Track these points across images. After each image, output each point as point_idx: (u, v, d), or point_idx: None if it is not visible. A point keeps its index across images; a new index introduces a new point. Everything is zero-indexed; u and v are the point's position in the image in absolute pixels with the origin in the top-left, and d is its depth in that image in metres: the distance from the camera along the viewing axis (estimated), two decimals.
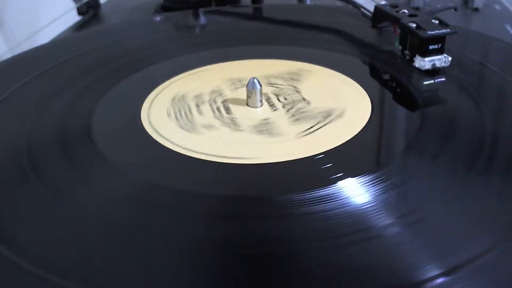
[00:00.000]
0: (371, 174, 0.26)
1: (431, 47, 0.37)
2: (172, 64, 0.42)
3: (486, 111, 0.32)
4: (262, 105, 0.34)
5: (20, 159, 0.29)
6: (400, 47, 0.40)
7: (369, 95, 0.35)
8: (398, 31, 0.40)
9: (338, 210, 0.24)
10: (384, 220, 0.23)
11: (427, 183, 0.26)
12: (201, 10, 0.55)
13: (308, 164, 0.28)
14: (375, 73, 0.41)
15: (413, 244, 0.22)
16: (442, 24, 0.37)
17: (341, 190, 0.25)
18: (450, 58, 0.37)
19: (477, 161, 0.27)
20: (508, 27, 0.56)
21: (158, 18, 0.57)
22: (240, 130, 0.31)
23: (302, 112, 0.33)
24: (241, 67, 0.41)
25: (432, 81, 0.37)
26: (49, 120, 0.33)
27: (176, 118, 0.33)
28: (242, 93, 0.35)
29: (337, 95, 0.35)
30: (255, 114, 0.33)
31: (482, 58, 0.40)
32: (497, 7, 0.63)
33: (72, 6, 0.63)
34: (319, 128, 0.31)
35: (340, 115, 0.32)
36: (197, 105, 0.35)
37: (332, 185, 0.25)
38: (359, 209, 0.24)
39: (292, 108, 0.34)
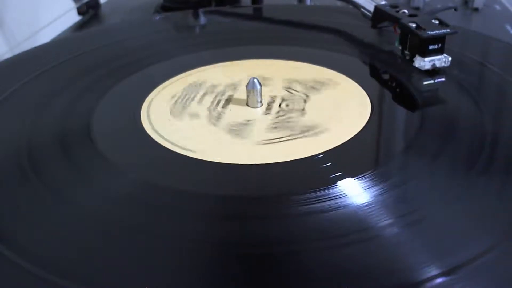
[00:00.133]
0: (371, 174, 0.26)
1: (431, 47, 0.37)
2: (172, 64, 0.42)
3: (486, 111, 0.32)
4: (261, 106, 0.34)
5: (20, 159, 0.29)
6: (400, 47, 0.40)
7: (369, 95, 0.35)
8: (398, 31, 0.40)
9: (338, 210, 0.24)
10: (384, 220, 0.23)
11: (427, 183, 0.26)
12: (201, 10, 0.55)
13: (308, 164, 0.28)
14: (375, 73, 0.41)
15: (413, 244, 0.22)
16: (442, 24, 0.37)
17: (341, 190, 0.25)
18: (450, 58, 0.37)
19: (477, 161, 0.27)
20: (508, 27, 0.56)
21: (157, 18, 0.57)
22: (215, 125, 0.32)
23: (287, 122, 0.32)
24: (266, 66, 0.40)
25: (432, 81, 0.37)
26: (49, 120, 0.33)
27: (176, 102, 0.33)
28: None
29: (336, 113, 0.33)
30: (243, 114, 0.33)
31: (482, 58, 0.40)
32: (497, 7, 0.63)
33: (72, 6, 0.63)
34: (286, 140, 0.30)
35: (318, 133, 0.31)
36: (205, 94, 0.35)
37: (332, 185, 0.25)
38: (359, 209, 0.24)
39: (283, 115, 0.33)
